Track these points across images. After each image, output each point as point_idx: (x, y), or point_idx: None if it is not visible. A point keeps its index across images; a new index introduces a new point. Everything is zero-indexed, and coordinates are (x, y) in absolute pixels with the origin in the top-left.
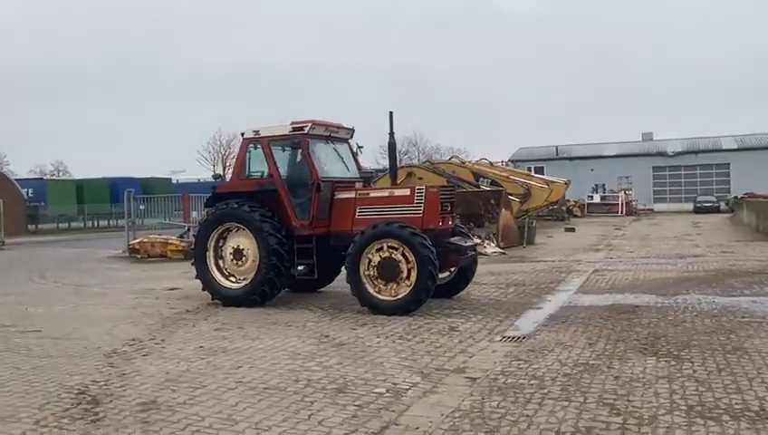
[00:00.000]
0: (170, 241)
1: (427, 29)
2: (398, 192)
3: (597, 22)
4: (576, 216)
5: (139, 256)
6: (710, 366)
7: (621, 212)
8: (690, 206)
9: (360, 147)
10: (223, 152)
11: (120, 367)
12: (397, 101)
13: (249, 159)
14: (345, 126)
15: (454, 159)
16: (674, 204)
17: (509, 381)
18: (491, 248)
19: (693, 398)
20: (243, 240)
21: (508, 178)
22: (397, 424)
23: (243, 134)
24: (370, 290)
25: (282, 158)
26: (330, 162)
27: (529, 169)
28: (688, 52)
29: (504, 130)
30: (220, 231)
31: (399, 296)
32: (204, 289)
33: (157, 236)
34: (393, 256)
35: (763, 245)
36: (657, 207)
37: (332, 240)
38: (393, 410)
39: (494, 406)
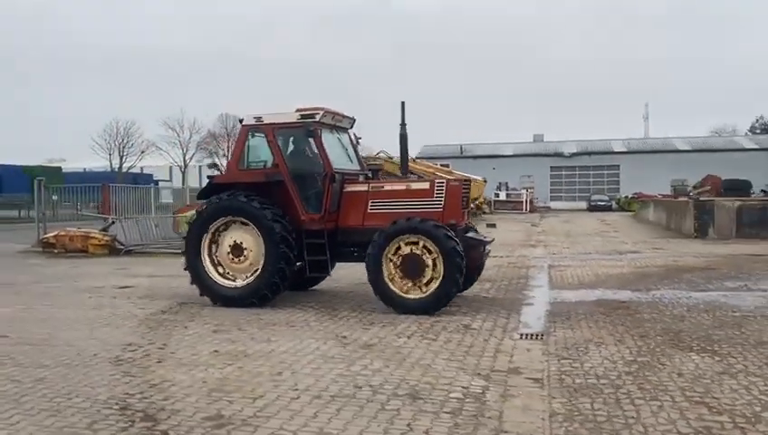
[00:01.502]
0: (92, 235)
1: (324, 24)
2: (415, 185)
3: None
4: (485, 213)
5: (56, 251)
6: (754, 360)
7: (526, 209)
8: (584, 204)
9: (358, 138)
10: (120, 141)
11: (143, 376)
12: (298, 94)
13: (248, 148)
14: (347, 115)
15: (381, 154)
16: (569, 202)
17: (578, 381)
18: None
19: None
20: (244, 236)
21: (435, 174)
22: (505, 432)
23: (241, 121)
24: (394, 289)
25: (286, 147)
26: (336, 153)
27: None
28: (571, 52)
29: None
30: (218, 225)
31: (427, 294)
32: (202, 293)
33: (75, 229)
34: (417, 252)
35: (684, 241)
36: (554, 205)
37: (341, 235)
38: (489, 417)
39: (592, 408)
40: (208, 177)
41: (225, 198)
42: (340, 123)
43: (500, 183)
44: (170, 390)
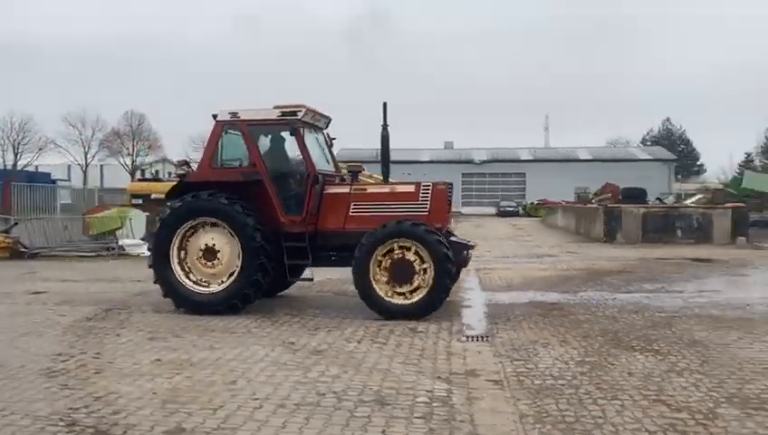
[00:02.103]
0: None
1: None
2: (400, 188)
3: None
4: None
5: None
6: (693, 359)
7: None
8: (493, 210)
9: (332, 138)
10: (15, 137)
11: (83, 389)
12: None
13: (222, 145)
14: (325, 114)
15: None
16: (479, 208)
17: (537, 382)
18: None
19: (720, 389)
20: (216, 237)
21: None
22: None
23: (215, 116)
24: (382, 294)
25: (264, 145)
26: (316, 153)
27: None
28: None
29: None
30: (187, 228)
31: (415, 300)
32: (165, 295)
33: None
34: (406, 256)
35: (594, 245)
36: (465, 210)
37: (320, 239)
38: (462, 420)
39: (558, 409)
40: (178, 175)
41: (206, 197)
42: (317, 122)
43: None
44: (118, 402)
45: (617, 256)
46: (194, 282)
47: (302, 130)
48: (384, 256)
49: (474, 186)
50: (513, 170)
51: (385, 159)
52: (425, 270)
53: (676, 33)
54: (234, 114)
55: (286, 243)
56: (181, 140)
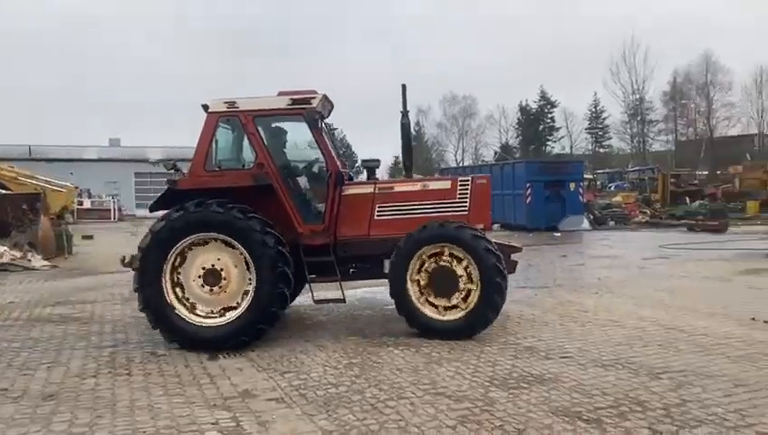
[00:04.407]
0: None
1: None
2: (434, 185)
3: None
4: (68, 223)
5: None
6: (441, 347)
7: (114, 218)
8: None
9: (334, 129)
10: None
11: None
12: None
13: (217, 142)
14: (330, 99)
15: None
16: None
17: (319, 393)
18: (38, 262)
19: (479, 374)
20: (221, 257)
21: (17, 178)
22: None
23: (206, 107)
24: (420, 307)
25: (272, 141)
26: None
27: None
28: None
29: None
30: (184, 246)
31: (459, 316)
32: (154, 326)
33: None
34: (448, 264)
35: None
36: (140, 212)
37: (339, 249)
38: None
39: (357, 418)
40: (168, 181)
41: (215, 208)
42: (324, 111)
43: (81, 190)
44: None
45: None
46: (190, 311)
47: (320, 120)
48: (423, 264)
49: (150, 187)
50: None
51: (407, 150)
52: (468, 290)
53: None
54: (231, 104)
55: (307, 258)
56: None
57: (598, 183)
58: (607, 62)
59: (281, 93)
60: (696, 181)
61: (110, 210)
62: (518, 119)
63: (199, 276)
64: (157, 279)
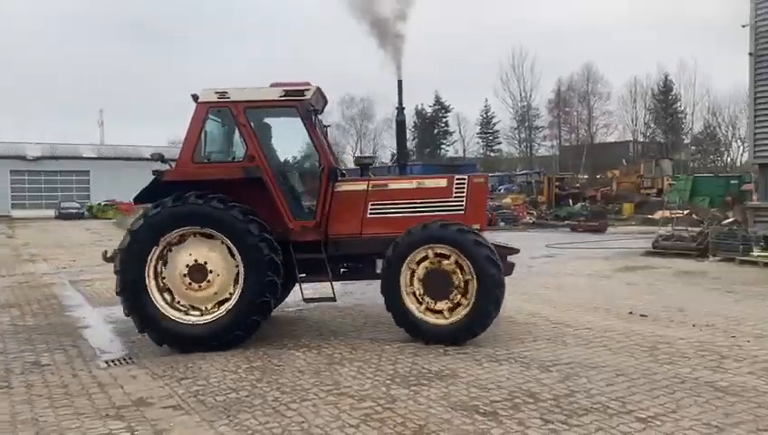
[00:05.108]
0: None
1: None
2: (429, 183)
3: None
4: None
5: None
6: (342, 348)
7: None
8: (53, 212)
9: (326, 126)
10: None
11: None
12: None
13: (206, 133)
14: (324, 93)
15: None
16: (34, 210)
17: (219, 399)
18: None
19: (380, 373)
20: (205, 252)
21: None
22: None
23: (196, 97)
24: (413, 310)
25: (263, 133)
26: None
27: None
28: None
29: None
30: (167, 241)
31: (452, 320)
32: (142, 331)
33: None
34: (443, 266)
35: None
36: (16, 213)
37: (331, 247)
38: None
39: (259, 422)
40: (154, 172)
41: (199, 201)
42: (317, 105)
43: None
44: None
45: None
46: (176, 308)
47: (312, 114)
48: (417, 265)
49: (27, 185)
50: (74, 168)
51: (402, 147)
52: (466, 285)
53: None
54: (222, 94)
55: (297, 254)
56: None
57: (489, 185)
58: (497, 71)
59: (273, 84)
60: (578, 185)
61: None
62: (414, 122)
63: (184, 273)
64: (141, 277)
